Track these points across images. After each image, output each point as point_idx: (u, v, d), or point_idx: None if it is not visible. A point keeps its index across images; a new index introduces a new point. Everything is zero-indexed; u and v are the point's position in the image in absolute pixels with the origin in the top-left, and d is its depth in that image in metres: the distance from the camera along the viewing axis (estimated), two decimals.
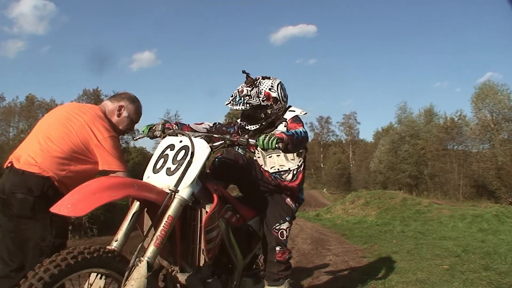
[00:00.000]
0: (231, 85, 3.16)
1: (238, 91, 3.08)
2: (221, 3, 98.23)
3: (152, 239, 2.22)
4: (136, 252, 2.16)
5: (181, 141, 2.60)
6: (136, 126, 3.29)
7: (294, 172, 3.20)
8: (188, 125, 3.28)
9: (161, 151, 2.63)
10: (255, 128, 3.13)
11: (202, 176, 2.67)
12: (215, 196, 2.61)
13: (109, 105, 3.06)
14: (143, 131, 3.10)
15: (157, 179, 2.47)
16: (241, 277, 3.09)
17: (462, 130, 44.87)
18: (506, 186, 36.32)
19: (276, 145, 2.54)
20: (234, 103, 3.04)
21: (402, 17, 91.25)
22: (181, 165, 2.45)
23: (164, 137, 2.78)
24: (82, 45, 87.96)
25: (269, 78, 3.17)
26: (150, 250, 2.18)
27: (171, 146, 2.61)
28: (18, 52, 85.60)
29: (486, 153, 40.81)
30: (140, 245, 2.22)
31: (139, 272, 2.10)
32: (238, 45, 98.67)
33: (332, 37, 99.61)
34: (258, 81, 3.10)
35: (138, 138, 3.19)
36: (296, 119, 3.12)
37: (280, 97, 3.15)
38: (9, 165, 2.71)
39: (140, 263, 2.13)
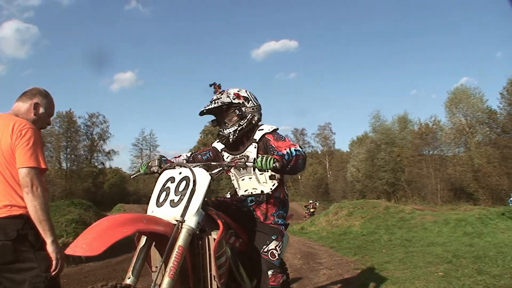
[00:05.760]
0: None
1: (210, 101, 3.11)
2: (210, 19, 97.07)
3: (165, 271, 2.20)
4: (152, 285, 2.14)
5: (180, 173, 2.64)
6: (133, 164, 3.19)
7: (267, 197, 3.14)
8: (171, 160, 3.24)
9: (162, 185, 2.64)
10: (234, 129, 3.09)
11: (203, 204, 2.71)
12: (220, 222, 2.64)
13: (21, 106, 2.85)
14: (141, 169, 3.08)
15: (162, 212, 2.48)
16: None
17: (437, 135, 45.63)
18: (484, 187, 37.00)
19: (274, 165, 2.56)
20: (207, 106, 3.08)
21: (380, 28, 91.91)
22: (184, 195, 2.48)
23: (162, 172, 2.80)
24: (64, 67, 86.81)
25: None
26: (166, 281, 2.17)
27: (172, 179, 2.63)
28: None
29: (462, 157, 41.46)
30: (155, 278, 2.20)
31: None
32: (220, 64, 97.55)
33: (312, 51, 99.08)
34: (227, 90, 3.17)
35: (135, 176, 3.19)
36: (278, 136, 3.09)
37: (251, 97, 3.19)
38: None
39: None
